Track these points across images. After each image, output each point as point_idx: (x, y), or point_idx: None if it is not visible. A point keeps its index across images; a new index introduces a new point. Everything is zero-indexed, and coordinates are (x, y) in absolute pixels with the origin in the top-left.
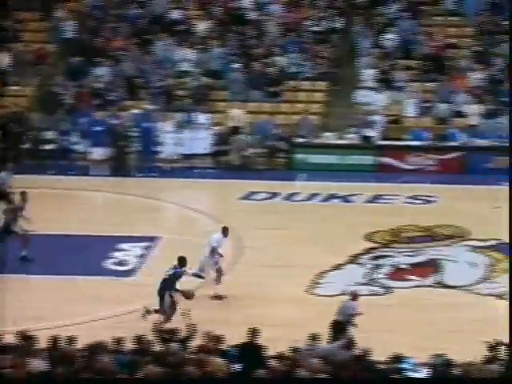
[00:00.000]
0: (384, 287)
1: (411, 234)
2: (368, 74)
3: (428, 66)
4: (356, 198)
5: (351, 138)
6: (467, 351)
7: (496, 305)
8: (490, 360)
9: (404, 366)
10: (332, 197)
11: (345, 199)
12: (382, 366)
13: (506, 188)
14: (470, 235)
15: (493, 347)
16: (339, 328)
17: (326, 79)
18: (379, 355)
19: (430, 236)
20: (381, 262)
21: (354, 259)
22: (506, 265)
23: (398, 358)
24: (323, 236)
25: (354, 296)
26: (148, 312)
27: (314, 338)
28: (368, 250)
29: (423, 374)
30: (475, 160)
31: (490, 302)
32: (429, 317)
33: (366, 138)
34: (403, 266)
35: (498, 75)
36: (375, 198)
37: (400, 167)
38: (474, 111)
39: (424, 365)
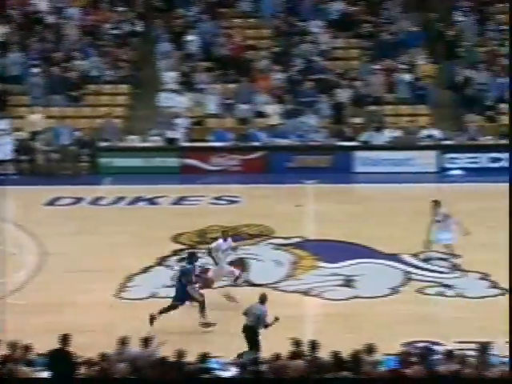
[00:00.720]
0: None
1: (217, 235)
2: (169, 77)
3: (228, 67)
4: (162, 200)
5: (155, 140)
6: (274, 348)
7: (301, 301)
8: (294, 356)
9: (213, 365)
10: (138, 200)
11: (151, 202)
12: (191, 367)
13: (307, 186)
14: (274, 233)
15: (297, 343)
16: (250, 332)
17: (128, 82)
18: (193, 356)
19: (236, 236)
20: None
21: (161, 261)
22: (309, 261)
23: (205, 358)
24: (130, 239)
25: (263, 298)
26: (154, 317)
27: (123, 342)
28: (175, 252)
29: (232, 372)
30: (277, 159)
31: (295, 299)
32: (237, 315)
33: (170, 140)
34: (210, 267)
35: (297, 75)
36: (181, 200)
37: (204, 168)
38: (274, 111)
39: (233, 363)
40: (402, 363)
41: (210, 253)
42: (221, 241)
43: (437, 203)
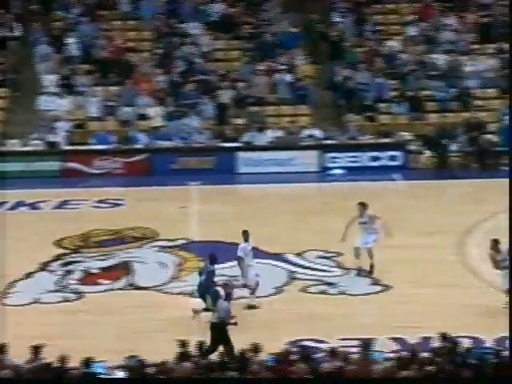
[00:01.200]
0: (76, 293)
1: (100, 238)
2: (49, 80)
3: (110, 69)
4: (44, 205)
5: (36, 144)
6: (162, 350)
7: (187, 303)
8: (182, 358)
9: (98, 370)
10: (19, 205)
11: (32, 206)
12: (75, 372)
13: (191, 188)
14: (158, 236)
15: (184, 345)
16: (219, 330)
17: (7, 86)
18: (76, 362)
19: (120, 239)
20: (71, 267)
21: (44, 267)
22: (193, 263)
23: (88, 362)
24: (12, 245)
25: (227, 296)
26: (197, 312)
27: (1, 349)
28: (58, 257)
29: (119, 376)
30: (160, 161)
31: (181, 301)
32: (122, 319)
33: (51, 144)
34: (94, 271)
35: (179, 77)
36: (63, 204)
37: (86, 172)
38: (157, 113)
39: (119, 367)
40: (286, 362)
41: (239, 258)
42: (244, 244)
43: (363, 205)
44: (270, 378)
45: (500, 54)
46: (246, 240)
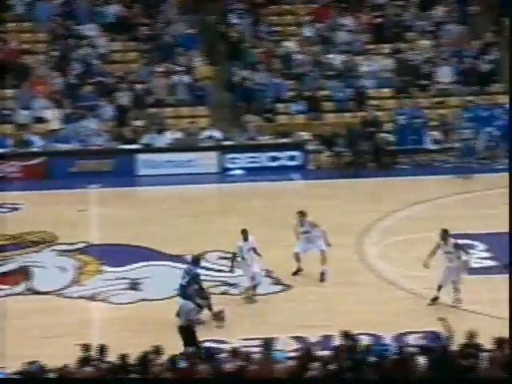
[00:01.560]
0: None
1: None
2: None
3: (5, 72)
4: None
5: None
6: (63, 355)
7: (88, 307)
8: (84, 362)
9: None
10: None
11: None
12: None
13: (90, 191)
14: (57, 240)
15: (86, 349)
16: (187, 331)
17: None
18: None
19: (18, 243)
20: None
21: None
22: (93, 266)
23: None
24: None
25: (191, 294)
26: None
27: None
28: None
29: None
30: (58, 165)
31: (81, 305)
32: (22, 324)
33: None
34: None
35: (76, 79)
36: None
37: None
38: (54, 116)
39: (19, 373)
40: (188, 363)
41: (234, 255)
42: (241, 243)
43: (302, 214)
44: (171, 378)
45: (394, 54)
46: (246, 239)
